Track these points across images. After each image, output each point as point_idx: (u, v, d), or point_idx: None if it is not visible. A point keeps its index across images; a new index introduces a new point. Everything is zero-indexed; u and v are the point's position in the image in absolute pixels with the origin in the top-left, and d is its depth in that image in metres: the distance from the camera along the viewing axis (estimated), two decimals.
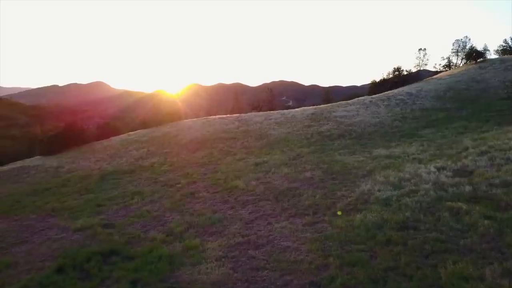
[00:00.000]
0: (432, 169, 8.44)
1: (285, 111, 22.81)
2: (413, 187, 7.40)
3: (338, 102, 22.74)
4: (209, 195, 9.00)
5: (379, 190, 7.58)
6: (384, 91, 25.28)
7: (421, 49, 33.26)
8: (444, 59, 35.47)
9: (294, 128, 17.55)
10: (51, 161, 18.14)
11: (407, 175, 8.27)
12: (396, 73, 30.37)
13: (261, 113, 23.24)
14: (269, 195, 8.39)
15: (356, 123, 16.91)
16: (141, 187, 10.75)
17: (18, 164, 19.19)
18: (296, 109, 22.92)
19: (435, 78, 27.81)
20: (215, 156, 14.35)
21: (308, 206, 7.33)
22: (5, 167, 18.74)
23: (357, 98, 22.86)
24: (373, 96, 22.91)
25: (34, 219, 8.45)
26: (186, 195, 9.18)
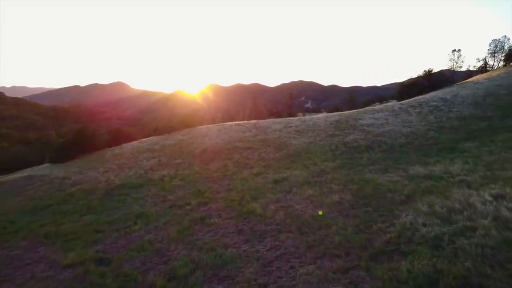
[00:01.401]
0: (488, 197, 7.17)
1: (306, 117, 21.64)
2: (468, 223, 6.18)
3: (364, 108, 21.39)
4: (222, 221, 7.99)
5: (424, 225, 6.40)
6: (414, 96, 23.77)
7: (455, 50, 31.26)
8: (479, 61, 33.42)
9: (317, 137, 16.39)
10: (59, 171, 17.62)
11: (456, 205, 7.04)
12: (427, 75, 28.53)
13: (280, 119, 22.16)
14: (291, 224, 7.32)
15: (385, 133, 15.59)
16: (147, 207, 9.87)
17: (26, 172, 18.80)
18: (319, 116, 21.72)
19: (471, 81, 25.98)
20: (230, 169, 13.38)
21: (338, 243, 6.22)
22: (13, 176, 18.38)
23: (384, 104, 21.46)
24: (403, 102, 21.43)
25: (24, 247, 7.67)
26: (195, 220, 8.21)
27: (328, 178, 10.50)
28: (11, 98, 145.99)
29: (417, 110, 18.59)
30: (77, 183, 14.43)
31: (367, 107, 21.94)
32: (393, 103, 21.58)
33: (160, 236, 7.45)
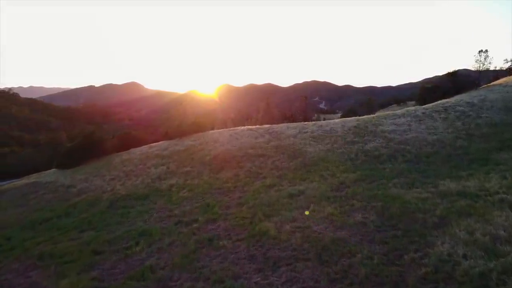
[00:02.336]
0: None
1: (322, 122, 20.79)
2: None
3: (384, 113, 20.42)
4: (231, 244, 7.30)
5: (465, 257, 5.59)
6: (437, 100, 22.66)
7: (481, 50, 29.68)
8: (507, 62, 31.87)
9: (334, 144, 15.57)
10: (65, 177, 17.27)
11: (501, 232, 6.19)
12: (451, 77, 27.14)
13: (294, 124, 21.37)
14: (309, 250, 6.58)
15: (409, 140, 14.67)
16: (151, 223, 9.27)
17: (33, 178, 18.54)
18: (335, 120, 20.86)
19: (499, 84, 24.66)
20: (242, 179, 12.71)
21: (365, 276, 5.46)
22: (19, 182, 18.12)
23: (406, 109, 20.45)
24: (426, 106, 20.38)
25: (16, 270, 7.14)
26: (202, 241, 7.55)
27: (349, 193, 9.71)
28: (25, 98, 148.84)
29: (442, 115, 17.56)
30: (82, 192, 13.98)
31: (388, 112, 20.96)
32: (415, 108, 20.53)
33: (163, 261, 6.80)
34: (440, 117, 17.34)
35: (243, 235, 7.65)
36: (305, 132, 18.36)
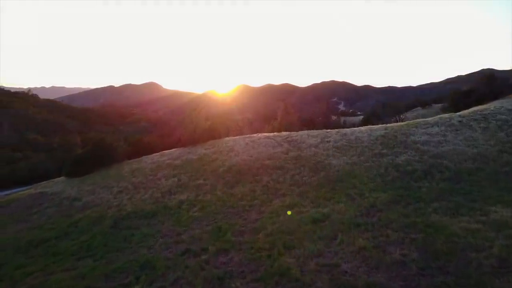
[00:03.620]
0: None
1: (346, 130, 19.53)
2: None
3: (415, 121, 18.99)
4: (245, 285, 6.28)
5: None
6: (472, 106, 21.11)
7: None
8: None
9: (361, 156, 14.36)
10: (72, 188, 16.68)
11: None
12: (487, 80, 25.40)
13: (316, 132, 20.20)
14: None
15: (445, 154, 13.32)
16: (156, 250, 8.36)
17: (40, 188, 18.07)
18: (361, 128, 19.58)
19: None
20: (258, 196, 11.70)
21: None
22: (25, 191, 17.67)
23: (439, 116, 18.98)
24: (462, 113, 18.86)
25: None
26: (211, 280, 6.56)
27: (382, 219, 8.56)
28: (44, 100, 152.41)
29: (482, 125, 16.06)
30: (87, 207, 13.26)
31: (419, 120, 19.54)
32: (449, 115, 19.00)
33: None
34: (479, 127, 15.85)
35: (259, 273, 6.63)
36: (327, 142, 17.19)
